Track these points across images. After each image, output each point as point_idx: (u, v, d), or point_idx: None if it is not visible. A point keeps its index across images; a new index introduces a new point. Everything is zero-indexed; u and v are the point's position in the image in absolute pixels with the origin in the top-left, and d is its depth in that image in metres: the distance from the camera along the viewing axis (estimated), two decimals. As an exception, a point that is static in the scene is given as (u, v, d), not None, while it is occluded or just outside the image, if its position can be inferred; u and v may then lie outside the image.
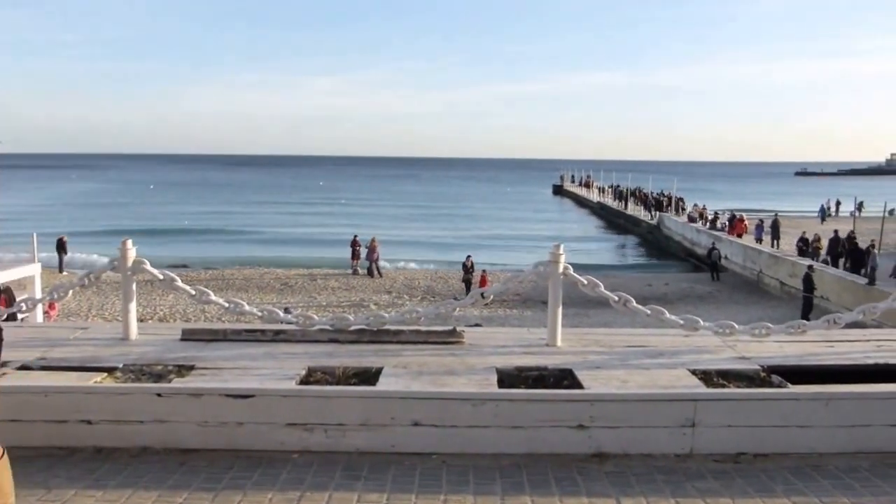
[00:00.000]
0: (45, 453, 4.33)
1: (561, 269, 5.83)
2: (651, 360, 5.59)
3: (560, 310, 5.98)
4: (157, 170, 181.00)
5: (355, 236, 33.74)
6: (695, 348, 5.87)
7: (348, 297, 27.38)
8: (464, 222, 62.18)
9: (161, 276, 6.00)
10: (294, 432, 4.43)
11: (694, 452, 4.41)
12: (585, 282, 5.92)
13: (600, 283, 5.95)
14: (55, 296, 6.31)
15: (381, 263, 32.75)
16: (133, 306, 6.11)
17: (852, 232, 29.17)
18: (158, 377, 5.09)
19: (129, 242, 5.96)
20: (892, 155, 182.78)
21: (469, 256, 29.55)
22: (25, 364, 5.28)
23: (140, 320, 6.69)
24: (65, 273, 29.93)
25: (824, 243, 29.66)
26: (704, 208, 46.10)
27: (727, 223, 38.97)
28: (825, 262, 27.53)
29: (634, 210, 56.69)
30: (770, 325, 5.91)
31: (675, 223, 45.02)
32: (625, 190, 64.57)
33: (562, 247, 5.95)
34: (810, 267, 24.44)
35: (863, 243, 26.46)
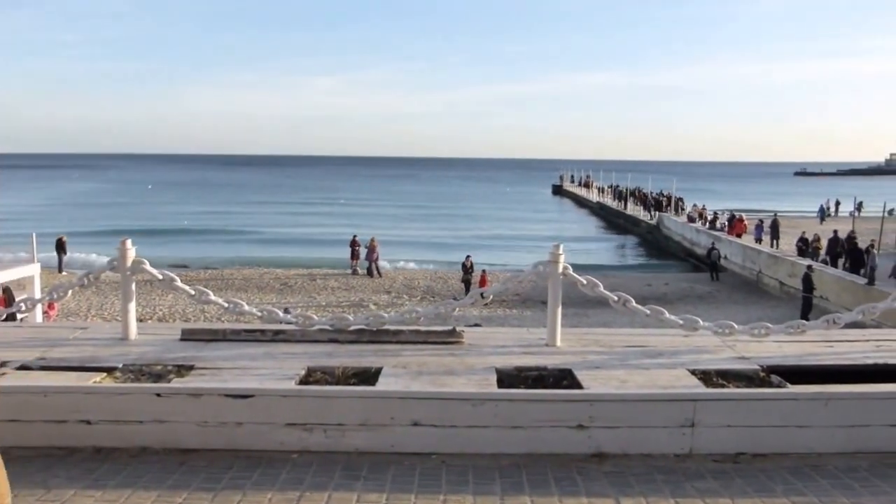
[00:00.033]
0: (44, 453, 4.33)
1: (560, 269, 5.83)
2: (650, 359, 5.59)
3: (559, 310, 5.98)
4: (156, 170, 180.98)
5: (354, 236, 33.75)
6: (694, 348, 5.88)
7: (348, 297, 27.39)
8: (463, 222, 62.18)
9: (160, 276, 5.99)
10: (293, 432, 4.43)
11: (693, 452, 4.41)
12: (585, 282, 5.92)
13: (600, 283, 5.95)
14: (54, 296, 6.31)
15: (381, 263, 32.76)
16: (132, 306, 6.11)
17: (852, 232, 29.19)
18: (158, 377, 5.09)
19: (129, 242, 5.96)
20: (891, 155, 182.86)
21: (468, 256, 29.57)
22: (25, 364, 5.28)
23: (139, 320, 6.69)
24: (64, 273, 29.93)
25: (824, 243, 29.68)
26: (704, 208, 46.12)
27: (726, 223, 38.99)
28: (824, 262, 27.55)
29: (634, 210, 56.70)
30: (769, 325, 5.91)
31: (674, 223, 45.04)
32: (624, 190, 64.59)
33: (561, 247, 5.95)
34: (809, 267, 24.46)
35: (862, 243, 26.48)
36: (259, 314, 5.98)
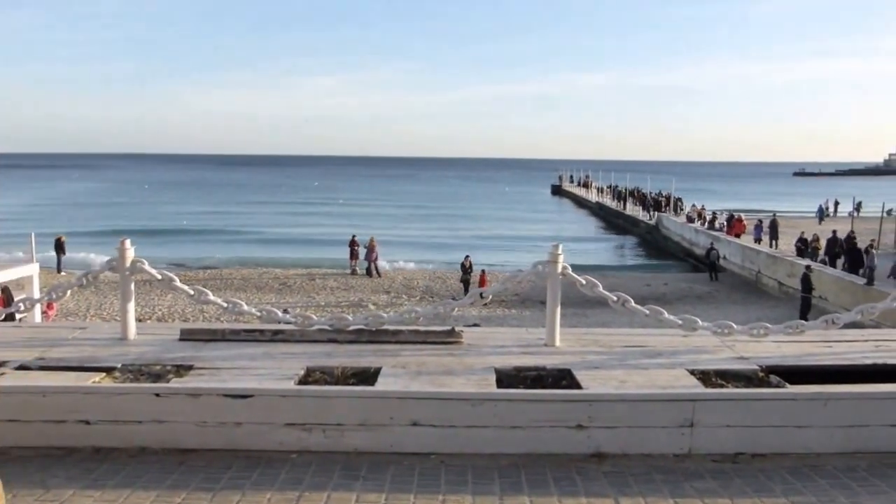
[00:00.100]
0: (43, 453, 4.33)
1: (559, 269, 5.83)
2: (649, 360, 5.59)
3: (558, 310, 5.98)
4: (155, 170, 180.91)
5: (353, 236, 33.73)
6: (693, 348, 5.88)
7: (347, 297, 27.38)
8: (462, 222, 62.18)
9: (159, 276, 5.99)
10: (293, 432, 4.43)
11: (692, 452, 4.41)
12: (584, 282, 5.92)
13: (599, 283, 5.95)
14: (53, 296, 6.30)
15: (380, 263, 32.74)
16: (131, 306, 6.11)
17: (852, 232, 29.22)
18: (157, 377, 5.09)
19: (128, 242, 5.95)
20: (889, 155, 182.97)
21: (468, 256, 29.56)
22: (24, 364, 5.27)
23: (138, 320, 6.69)
24: (63, 273, 29.90)
25: (823, 244, 29.71)
26: (703, 208, 46.15)
27: (725, 223, 39.01)
28: (823, 262, 27.57)
29: (633, 210, 56.72)
30: (768, 325, 5.91)
31: (673, 223, 45.05)
32: (623, 190, 64.60)
33: (560, 247, 5.95)
34: (808, 267, 24.47)
35: (861, 244, 26.50)
36: (258, 314, 5.98)
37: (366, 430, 4.42)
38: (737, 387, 4.98)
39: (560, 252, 5.87)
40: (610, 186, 72.35)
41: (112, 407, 4.47)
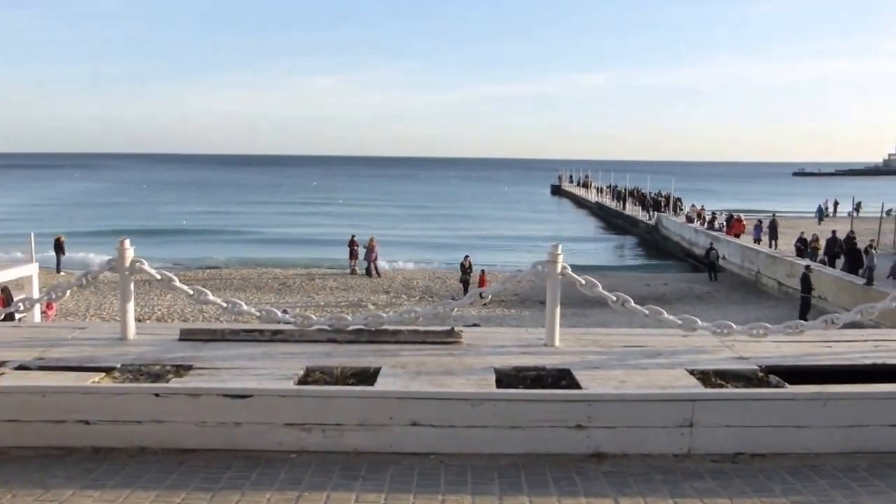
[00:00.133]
0: (42, 453, 4.33)
1: (559, 269, 5.83)
2: (649, 360, 5.59)
3: (558, 310, 5.98)
4: (155, 169, 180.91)
5: (353, 236, 33.73)
6: (693, 348, 5.88)
7: (346, 297, 27.38)
8: (462, 222, 62.18)
9: (159, 276, 5.99)
10: (292, 432, 4.43)
11: (692, 452, 4.41)
12: (583, 282, 5.92)
13: (598, 283, 5.95)
14: (53, 296, 6.30)
15: (380, 263, 32.74)
16: (131, 306, 6.11)
17: (851, 232, 29.23)
18: (156, 377, 5.09)
19: (127, 242, 5.95)
20: (889, 155, 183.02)
21: (467, 256, 29.55)
22: (23, 364, 5.27)
23: (138, 320, 6.68)
24: (62, 273, 29.89)
25: (822, 244, 29.72)
26: (703, 209, 46.15)
27: (724, 223, 39.03)
28: (822, 262, 27.58)
29: (632, 210, 56.72)
30: (768, 325, 5.91)
31: (673, 223, 45.06)
32: (623, 190, 64.60)
33: (560, 247, 5.95)
34: (808, 267, 24.47)
35: (861, 244, 26.51)
36: (257, 314, 5.98)
37: (365, 430, 4.42)
38: (736, 387, 4.98)
39: (559, 252, 5.87)
40: (609, 186, 72.36)
41: (111, 407, 4.46)
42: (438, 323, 6.86)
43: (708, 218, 41.83)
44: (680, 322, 5.85)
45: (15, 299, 9.03)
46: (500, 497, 3.81)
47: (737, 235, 36.33)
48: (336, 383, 5.01)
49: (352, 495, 3.80)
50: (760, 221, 36.61)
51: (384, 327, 6.03)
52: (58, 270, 30.59)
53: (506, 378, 5.12)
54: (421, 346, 5.88)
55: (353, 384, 4.97)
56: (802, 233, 32.34)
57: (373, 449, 4.38)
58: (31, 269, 17.73)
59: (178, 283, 5.94)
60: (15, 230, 36.56)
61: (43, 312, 17.59)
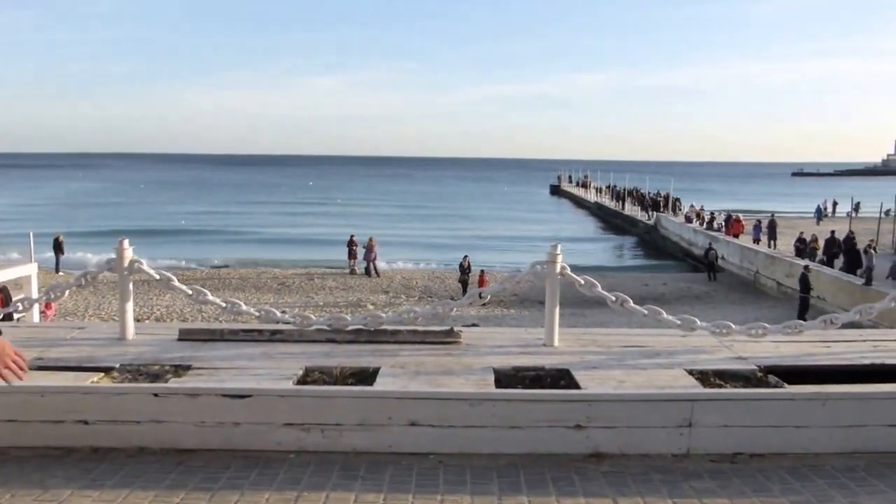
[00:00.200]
0: (41, 453, 4.32)
1: (558, 269, 5.83)
2: (648, 360, 5.59)
3: (557, 310, 5.97)
4: (155, 169, 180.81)
5: (352, 236, 33.77)
6: (692, 348, 5.88)
7: (345, 296, 27.39)
8: (461, 222, 62.23)
9: (158, 276, 5.98)
10: (291, 432, 4.42)
11: (691, 452, 4.41)
12: (582, 282, 5.92)
13: (597, 283, 5.95)
14: (52, 296, 6.29)
15: (379, 263, 32.74)
16: (130, 306, 6.10)
17: (851, 233, 29.27)
18: (155, 377, 5.08)
19: (126, 242, 5.95)
20: (888, 155, 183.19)
21: (466, 256, 29.58)
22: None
23: (137, 320, 6.68)
24: (61, 273, 29.88)
25: (821, 244, 29.76)
26: (702, 209, 46.19)
27: (723, 223, 39.06)
28: (821, 262, 27.61)
29: (632, 210, 56.75)
30: (767, 325, 5.91)
31: (672, 223, 45.10)
32: (622, 190, 64.63)
33: (559, 247, 5.95)
34: (806, 267, 24.51)
35: (859, 244, 26.54)
36: (257, 314, 5.97)
37: (364, 430, 4.41)
38: (735, 387, 4.98)
39: (559, 252, 5.87)
40: (608, 186, 72.38)
41: (110, 407, 4.46)
42: (437, 323, 6.86)
43: (707, 218, 41.86)
44: (679, 322, 5.85)
45: (14, 299, 9.02)
46: (500, 497, 3.81)
47: (736, 235, 36.37)
48: (335, 383, 5.00)
49: (351, 495, 3.80)
50: (759, 221, 36.67)
51: (383, 327, 6.02)
52: (57, 270, 30.60)
53: (505, 378, 5.12)
54: (420, 346, 5.88)
55: (352, 384, 4.97)
56: (802, 233, 32.39)
57: (372, 449, 4.37)
58: (30, 269, 17.73)
59: (176, 283, 5.94)
60: (14, 230, 36.53)
61: (42, 312, 17.59)
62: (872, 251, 24.16)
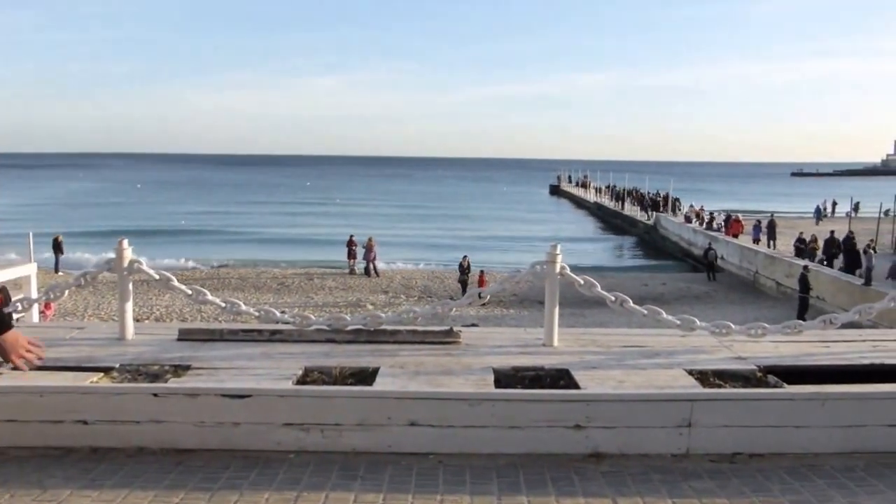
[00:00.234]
0: (40, 453, 4.32)
1: (558, 269, 5.83)
2: (647, 360, 5.59)
3: (557, 310, 5.97)
4: (154, 169, 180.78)
5: (351, 236, 33.77)
6: (691, 348, 5.88)
7: (345, 296, 27.40)
8: (461, 222, 62.23)
9: (157, 276, 5.98)
10: (291, 432, 4.42)
11: (690, 452, 4.41)
12: (582, 282, 5.92)
13: (597, 284, 5.95)
14: (51, 296, 6.29)
15: (378, 263, 32.74)
16: (129, 306, 6.10)
17: (851, 233, 29.29)
18: (155, 377, 5.08)
19: (126, 242, 5.95)
20: (887, 155, 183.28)
21: (466, 256, 29.59)
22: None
23: (137, 320, 6.67)
24: (61, 273, 29.87)
25: (821, 244, 29.78)
26: (702, 209, 46.21)
27: (723, 223, 39.08)
28: (821, 262, 27.63)
29: (631, 210, 56.76)
30: (766, 325, 5.91)
31: (671, 223, 45.11)
32: (621, 190, 64.64)
33: (559, 247, 5.94)
34: (806, 267, 24.51)
35: (859, 244, 26.56)
36: (256, 314, 5.97)
37: (364, 430, 4.42)
38: (735, 387, 4.98)
39: (558, 252, 5.87)
40: (608, 186, 72.40)
41: (110, 407, 4.46)
42: (437, 323, 6.86)
43: (706, 218, 41.88)
44: (678, 322, 5.85)
45: (13, 299, 9.02)
46: (499, 497, 3.81)
47: (735, 235, 36.39)
48: (334, 383, 5.00)
49: (350, 495, 3.80)
50: (759, 221, 36.70)
51: (383, 327, 6.02)
52: (56, 270, 30.59)
53: (504, 378, 5.12)
54: (419, 346, 5.88)
55: (351, 384, 4.97)
56: (801, 233, 32.41)
57: (371, 449, 4.37)
58: (30, 269, 17.72)
59: (176, 283, 5.94)
60: (13, 230, 36.52)
61: (41, 312, 17.59)
62: (872, 251, 24.17)
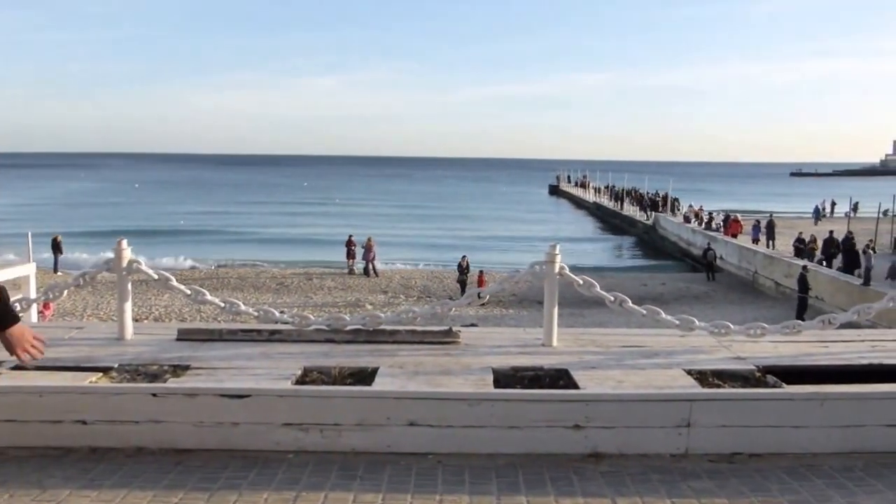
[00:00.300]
0: (39, 453, 4.32)
1: (557, 269, 5.83)
2: (646, 360, 5.59)
3: (556, 310, 5.97)
4: (153, 169, 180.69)
5: (350, 236, 33.77)
6: (690, 348, 5.88)
7: (344, 296, 27.39)
8: (460, 222, 62.23)
9: (156, 276, 5.98)
10: (290, 432, 4.42)
11: (689, 452, 4.41)
12: (581, 282, 5.92)
13: (596, 284, 5.95)
14: (50, 296, 6.29)
15: (377, 263, 32.74)
16: (128, 306, 6.10)
17: (850, 233, 29.30)
18: (154, 377, 5.08)
19: (125, 242, 5.94)
20: (886, 156, 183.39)
21: (465, 256, 29.59)
22: (20, 364, 5.26)
23: (136, 320, 6.67)
24: (60, 273, 29.86)
25: (820, 244, 29.80)
26: (701, 209, 46.22)
27: (722, 223, 39.10)
28: (820, 262, 27.65)
29: (630, 210, 56.76)
30: (765, 325, 5.91)
31: (670, 223, 45.13)
32: (620, 190, 64.64)
33: (558, 247, 5.95)
34: (805, 267, 24.52)
35: (858, 245, 26.57)
36: (255, 314, 5.97)
37: (363, 430, 4.42)
38: (734, 387, 4.98)
39: (557, 252, 5.87)
40: (607, 187, 72.40)
41: (109, 407, 4.46)
42: (436, 323, 6.86)
43: (705, 218, 41.89)
44: (677, 322, 5.85)
45: (12, 299, 9.02)
46: (498, 497, 3.81)
47: (734, 235, 36.40)
48: (334, 383, 5.00)
49: (349, 495, 3.80)
50: (758, 221, 36.71)
51: (382, 327, 6.02)
52: (55, 270, 30.57)
53: (503, 378, 5.12)
54: (419, 346, 5.88)
55: (350, 384, 4.97)
56: (801, 233, 32.42)
57: (370, 449, 4.38)
58: (29, 269, 17.69)
59: (175, 283, 5.94)
60: (12, 230, 36.51)
61: (40, 312, 17.57)
62: (871, 251, 24.18)
